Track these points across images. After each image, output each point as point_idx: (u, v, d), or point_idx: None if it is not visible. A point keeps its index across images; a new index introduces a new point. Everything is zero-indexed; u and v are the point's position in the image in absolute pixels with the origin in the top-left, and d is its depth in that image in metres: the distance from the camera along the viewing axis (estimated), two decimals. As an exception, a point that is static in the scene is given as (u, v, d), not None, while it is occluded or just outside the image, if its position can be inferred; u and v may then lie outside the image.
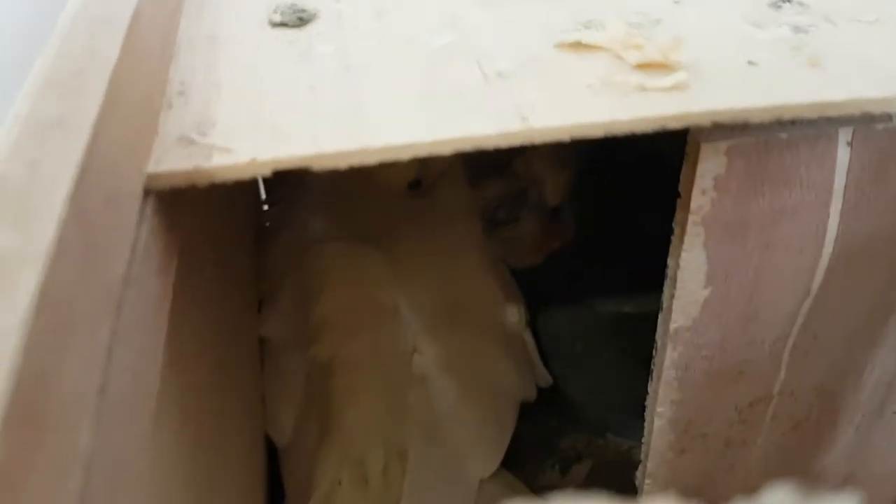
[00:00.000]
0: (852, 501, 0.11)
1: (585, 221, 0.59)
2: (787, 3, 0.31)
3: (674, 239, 0.31)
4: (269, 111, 0.25)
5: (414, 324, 0.47)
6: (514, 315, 0.50)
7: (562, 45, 0.28)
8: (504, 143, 0.24)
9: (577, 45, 0.28)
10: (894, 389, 0.38)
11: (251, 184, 0.54)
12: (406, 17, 0.31)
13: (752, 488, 0.39)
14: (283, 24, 0.30)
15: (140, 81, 0.24)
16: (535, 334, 0.52)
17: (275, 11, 0.31)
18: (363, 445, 0.42)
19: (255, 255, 0.51)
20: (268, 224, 0.54)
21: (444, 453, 0.44)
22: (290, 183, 0.54)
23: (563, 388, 0.52)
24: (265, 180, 0.57)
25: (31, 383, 0.13)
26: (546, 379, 0.51)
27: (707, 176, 0.29)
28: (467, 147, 0.23)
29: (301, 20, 0.30)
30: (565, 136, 0.24)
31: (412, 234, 0.51)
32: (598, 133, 0.24)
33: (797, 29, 0.29)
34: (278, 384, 0.46)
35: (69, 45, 0.22)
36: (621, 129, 0.24)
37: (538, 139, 0.24)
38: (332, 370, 0.44)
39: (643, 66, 0.26)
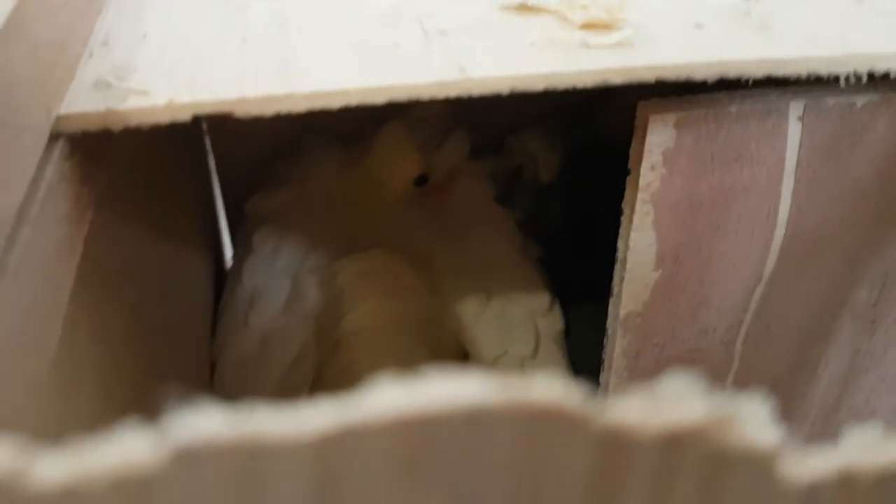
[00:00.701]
0: (762, 406, 0.10)
1: (574, 204, 0.58)
2: (739, -22, 0.30)
3: (623, 219, 0.31)
4: (194, 59, 0.24)
5: (461, 333, 0.44)
6: (558, 318, 0.48)
7: (507, 8, 0.27)
8: (441, 93, 0.22)
9: (523, 8, 0.27)
10: (850, 385, 0.37)
11: (200, 156, 0.51)
12: (349, -17, 0.30)
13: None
14: (219, -14, 0.29)
15: (55, 24, 0.23)
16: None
17: (212, -26, 0.30)
18: None
19: (210, 236, 0.49)
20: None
21: None
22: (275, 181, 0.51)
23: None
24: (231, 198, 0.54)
25: None
26: None
27: (656, 150, 0.28)
28: (402, 96, 0.22)
29: (239, -17, 0.29)
30: (504, 88, 0.23)
31: (444, 240, 0.47)
32: (539, 86, 0.23)
33: None
34: (257, 369, 0.43)
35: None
36: (562, 83, 0.23)
37: (476, 90, 0.23)
38: (349, 377, 0.40)
39: (589, 26, 0.25)
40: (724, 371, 0.35)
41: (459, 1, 0.28)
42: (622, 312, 0.32)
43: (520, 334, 0.46)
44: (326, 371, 0.42)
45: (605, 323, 0.50)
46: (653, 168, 0.29)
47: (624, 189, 0.31)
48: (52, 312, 0.19)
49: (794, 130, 0.29)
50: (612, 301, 0.33)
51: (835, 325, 0.35)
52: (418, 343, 0.43)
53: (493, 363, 0.44)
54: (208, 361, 0.44)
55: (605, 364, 0.34)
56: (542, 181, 0.56)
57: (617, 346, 0.33)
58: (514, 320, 0.46)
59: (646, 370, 0.34)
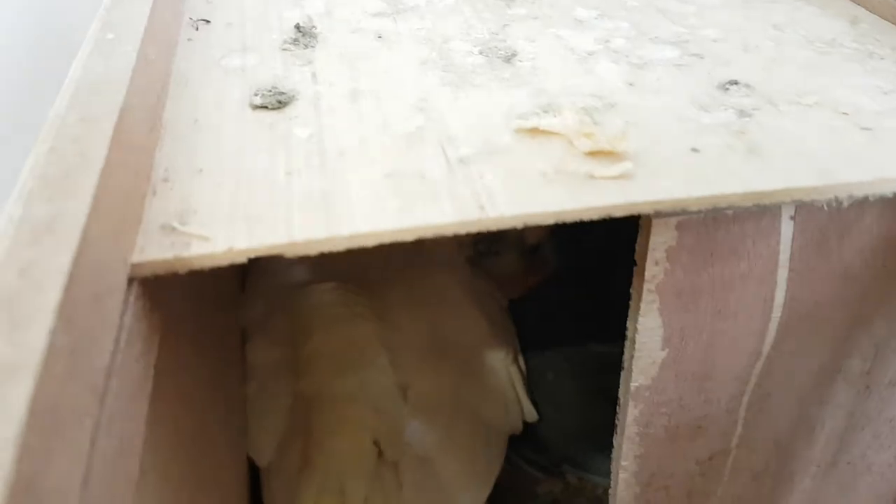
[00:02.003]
0: None
1: (564, 260, 0.61)
2: (735, 86, 0.33)
3: (632, 304, 0.33)
4: (246, 199, 0.27)
5: (403, 361, 0.49)
6: (501, 349, 0.52)
7: (521, 130, 0.30)
8: (462, 230, 0.26)
9: (535, 131, 0.30)
10: (846, 442, 0.39)
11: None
12: (380, 101, 0.33)
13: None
14: (263, 107, 0.32)
15: (127, 173, 0.26)
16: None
17: (255, 94, 0.33)
18: (343, 477, 0.44)
19: (239, 290, 0.53)
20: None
21: (436, 485, 0.46)
22: None
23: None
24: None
25: (21, 489, 0.14)
26: (531, 414, 0.53)
27: (659, 248, 0.31)
28: (428, 234, 0.25)
29: (280, 103, 0.32)
30: (519, 224, 0.26)
31: (398, 276, 0.53)
32: (549, 221, 0.26)
33: (741, 113, 0.31)
34: (261, 409, 0.48)
35: (59, 145, 0.24)
36: (570, 218, 0.26)
37: (493, 227, 0.26)
38: (318, 404, 0.46)
39: (593, 154, 0.28)
40: (728, 435, 0.38)
41: (478, 121, 0.31)
42: (633, 385, 0.35)
43: (460, 365, 0.51)
44: (297, 394, 0.47)
45: (576, 363, 0.53)
46: (657, 263, 0.32)
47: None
48: (134, 448, 0.23)
49: (786, 228, 0.32)
50: (623, 375, 0.36)
51: (830, 391, 0.37)
52: (371, 365, 0.48)
53: (435, 391, 0.48)
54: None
55: (618, 431, 0.37)
56: (528, 243, 0.59)
57: (629, 415, 0.36)
58: (456, 353, 0.51)
59: (656, 436, 0.37)
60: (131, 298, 0.24)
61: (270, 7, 0.42)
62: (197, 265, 0.25)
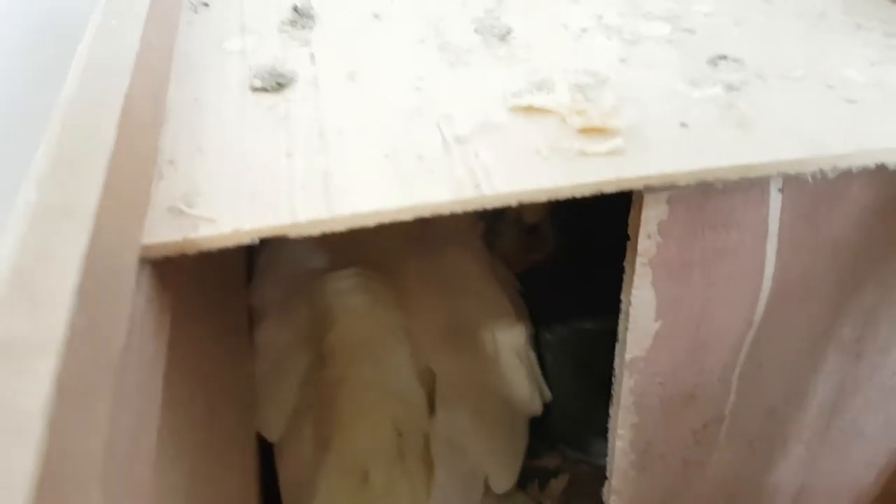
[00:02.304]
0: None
1: (563, 238, 0.62)
2: (724, 61, 0.34)
3: (625, 278, 0.34)
4: (249, 180, 0.28)
5: (426, 347, 0.49)
6: (521, 332, 0.53)
7: (516, 108, 0.31)
8: (459, 209, 0.26)
9: (529, 109, 0.31)
10: (838, 409, 0.41)
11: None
12: (377, 80, 0.34)
13: (712, 503, 0.42)
14: (262, 89, 0.33)
15: (135, 156, 0.27)
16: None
17: (255, 76, 0.34)
18: (364, 461, 0.45)
19: (246, 273, 0.54)
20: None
21: (466, 469, 0.47)
22: None
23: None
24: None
25: (53, 459, 0.15)
26: (546, 394, 0.53)
27: (651, 222, 0.32)
28: (426, 213, 0.26)
29: (279, 85, 0.33)
30: (513, 202, 0.26)
31: (417, 258, 0.53)
32: (543, 198, 0.27)
33: (730, 87, 0.32)
34: (273, 386, 0.49)
35: (69, 130, 0.25)
36: (563, 195, 0.27)
37: (489, 204, 0.26)
38: (340, 391, 0.47)
39: (586, 131, 0.29)
40: (721, 403, 0.39)
41: (473, 99, 0.32)
42: (627, 357, 0.36)
43: (482, 347, 0.51)
44: (321, 383, 0.48)
45: (576, 341, 0.54)
46: (649, 237, 0.33)
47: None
48: (151, 422, 0.24)
49: (775, 200, 0.33)
50: (618, 347, 0.37)
51: (821, 359, 0.38)
52: (393, 353, 0.48)
53: (459, 373, 0.49)
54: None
55: (614, 401, 0.38)
56: (526, 222, 0.59)
57: (624, 385, 0.37)
58: (477, 334, 0.51)
59: (651, 406, 0.38)
60: (143, 280, 0.25)
61: (268, -11, 0.43)
62: (205, 246, 0.25)
